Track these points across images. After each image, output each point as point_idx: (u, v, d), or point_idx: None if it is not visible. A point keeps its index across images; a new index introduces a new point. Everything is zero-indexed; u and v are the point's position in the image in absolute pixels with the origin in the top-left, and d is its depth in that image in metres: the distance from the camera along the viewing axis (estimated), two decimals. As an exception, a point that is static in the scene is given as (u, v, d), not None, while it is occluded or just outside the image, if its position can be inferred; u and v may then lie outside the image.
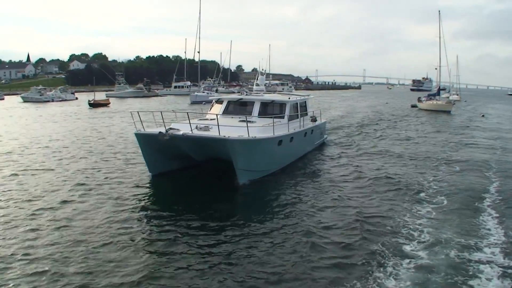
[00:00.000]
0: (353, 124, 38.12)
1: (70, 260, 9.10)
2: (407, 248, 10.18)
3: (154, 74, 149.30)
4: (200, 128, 15.80)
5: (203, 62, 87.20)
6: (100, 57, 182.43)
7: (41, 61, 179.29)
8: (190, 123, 15.38)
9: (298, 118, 20.75)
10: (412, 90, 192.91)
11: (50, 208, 12.62)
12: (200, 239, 10.34)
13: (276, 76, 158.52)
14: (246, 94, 21.58)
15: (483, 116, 53.86)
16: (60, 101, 71.09)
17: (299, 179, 16.74)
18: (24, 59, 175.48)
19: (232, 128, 15.50)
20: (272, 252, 9.76)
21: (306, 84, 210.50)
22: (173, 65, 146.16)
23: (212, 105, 21.27)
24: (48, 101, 68.89)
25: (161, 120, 16.22)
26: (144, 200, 13.72)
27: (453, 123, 43.16)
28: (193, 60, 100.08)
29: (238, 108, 19.95)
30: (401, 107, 69.72)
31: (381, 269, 8.98)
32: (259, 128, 16.38)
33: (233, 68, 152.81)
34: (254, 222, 11.67)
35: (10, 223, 11.29)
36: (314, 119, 23.12)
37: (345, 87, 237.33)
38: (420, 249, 10.08)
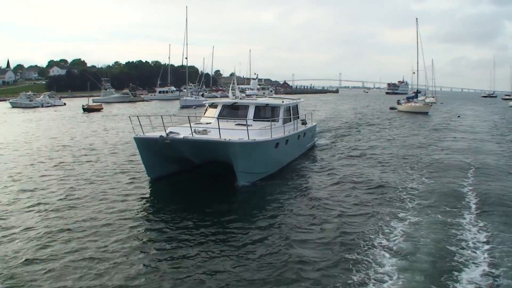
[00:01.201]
0: (340, 127, 39.77)
1: (67, 264, 9.33)
2: (389, 240, 11.03)
3: (135, 79, 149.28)
4: (199, 132, 15.92)
5: (184, 67, 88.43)
6: (79, 63, 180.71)
7: (19, 67, 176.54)
8: (191, 126, 15.70)
9: (291, 121, 21.17)
10: (387, 93, 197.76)
11: (46, 211, 12.85)
12: (200, 243, 10.61)
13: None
14: (240, 98, 21.93)
15: (459, 116, 56.55)
16: (48, 106, 71.09)
17: (294, 180, 17.33)
18: (2, 65, 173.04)
19: (230, 131, 15.77)
20: (272, 252, 10.13)
21: (285, 88, 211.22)
22: (153, 70, 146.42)
23: (206, 109, 21.68)
24: (37, 107, 69.04)
25: (156, 124, 16.83)
26: (143, 204, 13.93)
27: (431, 123, 45.43)
28: (172, 65, 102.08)
29: (233, 112, 20.17)
30: (380, 109, 72.77)
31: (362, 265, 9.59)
32: (257, 131, 16.70)
33: (211, 73, 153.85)
34: (252, 224, 12.04)
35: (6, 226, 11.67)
36: (304, 122, 24.14)
37: (323, 91, 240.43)
38: (399, 248, 10.47)
